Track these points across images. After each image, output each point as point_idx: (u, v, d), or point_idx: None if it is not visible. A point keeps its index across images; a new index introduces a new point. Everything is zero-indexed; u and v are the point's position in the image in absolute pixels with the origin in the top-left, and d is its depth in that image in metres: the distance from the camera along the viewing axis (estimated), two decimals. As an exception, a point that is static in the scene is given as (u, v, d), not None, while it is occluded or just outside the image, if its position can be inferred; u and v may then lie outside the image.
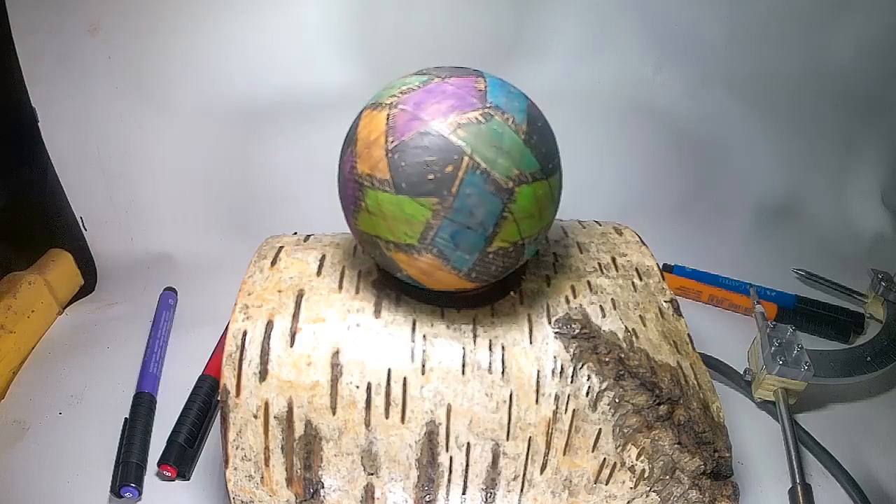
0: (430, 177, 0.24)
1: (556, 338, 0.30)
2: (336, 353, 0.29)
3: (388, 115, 0.25)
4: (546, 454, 0.30)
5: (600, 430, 0.29)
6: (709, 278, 0.54)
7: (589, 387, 0.29)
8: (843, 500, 0.37)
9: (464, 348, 0.29)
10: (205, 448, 0.38)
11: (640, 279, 0.34)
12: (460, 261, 0.26)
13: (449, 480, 0.30)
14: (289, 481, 0.29)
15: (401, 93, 0.26)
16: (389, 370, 0.29)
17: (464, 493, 0.30)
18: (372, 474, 0.29)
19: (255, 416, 0.28)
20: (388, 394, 0.28)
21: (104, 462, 0.36)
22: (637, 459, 0.30)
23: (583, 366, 0.29)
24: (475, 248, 0.25)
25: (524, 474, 0.30)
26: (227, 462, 0.29)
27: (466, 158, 0.24)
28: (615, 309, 0.31)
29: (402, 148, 0.24)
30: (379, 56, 0.56)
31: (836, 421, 0.42)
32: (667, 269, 0.55)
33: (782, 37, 0.60)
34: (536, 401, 0.29)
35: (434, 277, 0.27)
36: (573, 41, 0.59)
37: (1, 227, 0.48)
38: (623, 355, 0.29)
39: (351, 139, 0.27)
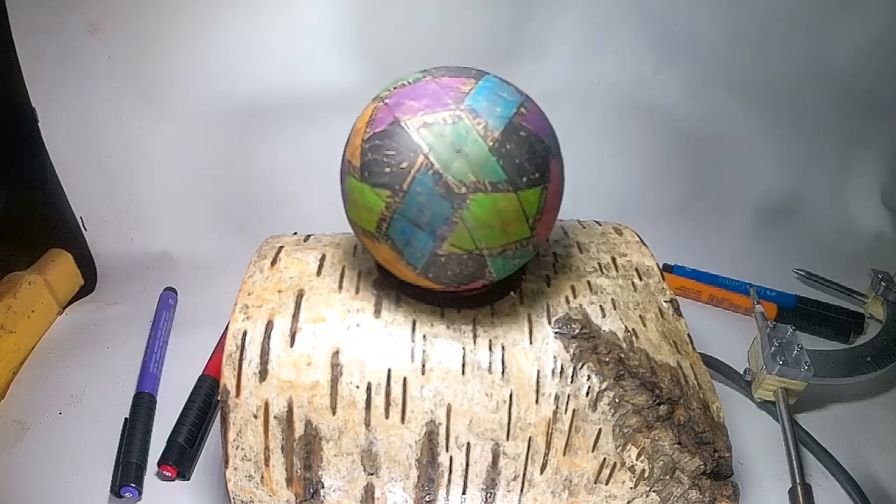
0: (387, 170, 0.25)
1: (556, 338, 0.30)
2: (336, 353, 0.29)
3: (375, 107, 0.27)
4: (546, 454, 0.30)
5: (600, 430, 0.29)
6: (709, 278, 0.54)
7: (589, 387, 0.29)
8: (843, 500, 0.37)
9: (464, 348, 0.29)
10: (205, 448, 0.38)
11: (640, 279, 0.34)
12: (413, 257, 0.26)
13: (449, 480, 0.30)
14: (289, 481, 0.29)
15: (394, 88, 0.27)
16: (389, 370, 0.29)
17: (464, 493, 0.30)
18: (372, 474, 0.29)
19: (255, 416, 0.28)
20: (388, 394, 0.28)
21: (104, 462, 0.36)
22: (637, 459, 0.30)
23: (583, 366, 0.29)
24: (424, 248, 0.26)
25: (524, 474, 0.30)
26: (227, 462, 0.29)
27: (422, 157, 0.24)
28: (615, 309, 0.31)
29: (373, 139, 0.25)
30: (380, 56, 0.56)
31: (836, 421, 0.42)
32: (667, 269, 0.55)
33: (782, 37, 0.60)
34: (536, 401, 0.29)
35: (395, 268, 0.27)
36: (573, 41, 0.59)
37: (1, 227, 0.48)
38: (623, 355, 0.29)
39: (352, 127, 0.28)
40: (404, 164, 0.24)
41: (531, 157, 0.25)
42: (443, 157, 0.24)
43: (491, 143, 0.25)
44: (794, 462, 0.37)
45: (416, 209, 0.25)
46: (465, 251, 0.26)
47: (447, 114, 0.25)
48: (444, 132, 0.24)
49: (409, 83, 0.27)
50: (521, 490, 0.30)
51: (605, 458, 0.30)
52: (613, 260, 0.34)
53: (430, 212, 0.25)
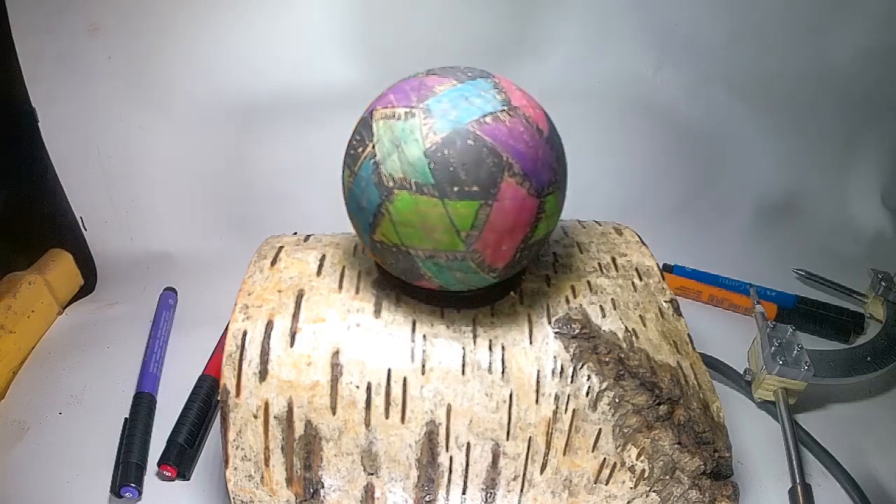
0: (352, 152, 0.27)
1: (556, 338, 0.30)
2: (336, 353, 0.29)
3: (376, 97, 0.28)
4: (546, 454, 0.30)
5: (600, 430, 0.29)
6: (709, 278, 0.54)
7: (589, 387, 0.29)
8: (843, 500, 0.37)
9: (464, 348, 0.29)
10: (205, 448, 0.38)
11: (640, 279, 0.34)
12: (363, 237, 0.28)
13: (449, 480, 0.30)
14: (289, 481, 0.29)
15: (398, 82, 0.28)
16: (389, 370, 0.29)
17: (464, 493, 0.30)
18: (372, 474, 0.29)
19: (255, 416, 0.28)
20: (388, 394, 0.28)
21: (104, 462, 0.36)
22: (637, 459, 0.30)
23: (583, 366, 0.29)
24: (365, 231, 0.27)
25: (524, 474, 0.30)
26: (227, 462, 0.29)
27: (370, 146, 0.26)
28: (615, 309, 0.31)
29: (357, 125, 0.28)
30: (380, 56, 0.56)
31: (836, 421, 0.42)
32: (667, 269, 0.55)
33: (782, 37, 0.60)
34: (536, 401, 0.29)
35: (363, 241, 0.29)
36: (574, 41, 0.59)
37: (1, 227, 0.48)
38: (623, 355, 0.29)
39: None
40: (360, 150, 0.26)
41: (472, 168, 0.24)
42: (384, 149, 0.25)
43: (428, 145, 0.24)
44: (794, 462, 0.37)
45: (359, 192, 0.26)
46: (391, 244, 0.26)
47: (404, 110, 0.25)
48: (394, 126, 0.25)
49: (407, 78, 0.27)
50: (521, 490, 0.30)
51: (605, 458, 0.30)
52: (613, 260, 0.34)
53: (366, 198, 0.26)
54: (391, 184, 0.25)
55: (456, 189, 0.24)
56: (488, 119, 0.25)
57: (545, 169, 0.26)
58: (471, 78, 0.26)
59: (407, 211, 0.25)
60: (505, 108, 0.25)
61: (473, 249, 0.26)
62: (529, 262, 0.29)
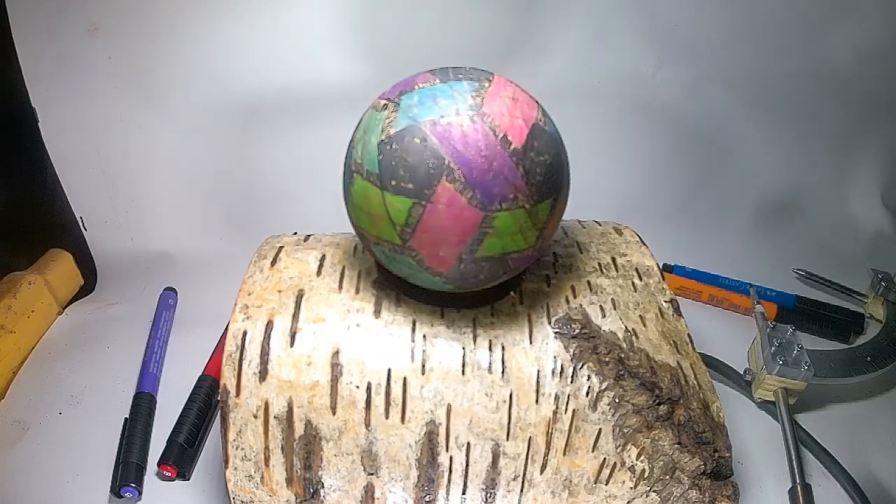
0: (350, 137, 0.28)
1: (556, 338, 0.30)
2: (336, 353, 0.29)
3: None
4: (546, 454, 0.30)
5: (600, 430, 0.29)
6: (709, 278, 0.54)
7: (589, 387, 0.29)
8: (843, 500, 0.37)
9: (464, 348, 0.29)
10: (205, 448, 0.38)
11: (640, 279, 0.34)
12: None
13: (449, 480, 0.30)
14: (289, 481, 0.29)
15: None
16: (389, 370, 0.29)
17: (464, 493, 0.30)
18: (372, 474, 0.29)
19: (255, 416, 0.28)
20: (388, 394, 0.28)
21: (104, 462, 0.36)
22: (637, 459, 0.30)
23: (583, 366, 0.29)
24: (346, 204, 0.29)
25: (524, 474, 0.30)
26: (227, 462, 0.29)
27: (355, 131, 0.28)
28: (615, 309, 0.31)
29: None
30: (381, 55, 0.56)
31: (836, 421, 0.42)
32: (667, 269, 0.55)
33: (782, 37, 0.60)
34: (536, 401, 0.29)
35: None
36: (574, 41, 0.59)
37: (1, 227, 0.48)
38: (623, 355, 0.29)
39: None
40: (353, 132, 0.28)
41: (411, 165, 0.24)
42: (357, 136, 0.27)
43: (383, 137, 0.25)
44: (794, 462, 0.37)
45: (343, 168, 0.28)
46: (353, 223, 0.28)
47: (384, 101, 0.26)
48: (371, 116, 0.27)
49: (416, 74, 0.28)
50: (521, 490, 0.30)
51: (605, 458, 0.30)
52: (613, 260, 0.34)
53: (344, 176, 0.28)
54: (353, 167, 0.27)
55: (393, 183, 0.25)
56: (443, 121, 0.24)
57: (499, 183, 0.24)
58: (457, 79, 0.26)
59: (359, 196, 0.26)
60: (470, 113, 0.25)
61: (409, 246, 0.26)
62: (491, 279, 0.27)
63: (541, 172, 0.25)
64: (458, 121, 0.24)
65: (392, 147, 0.25)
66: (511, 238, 0.26)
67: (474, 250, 0.25)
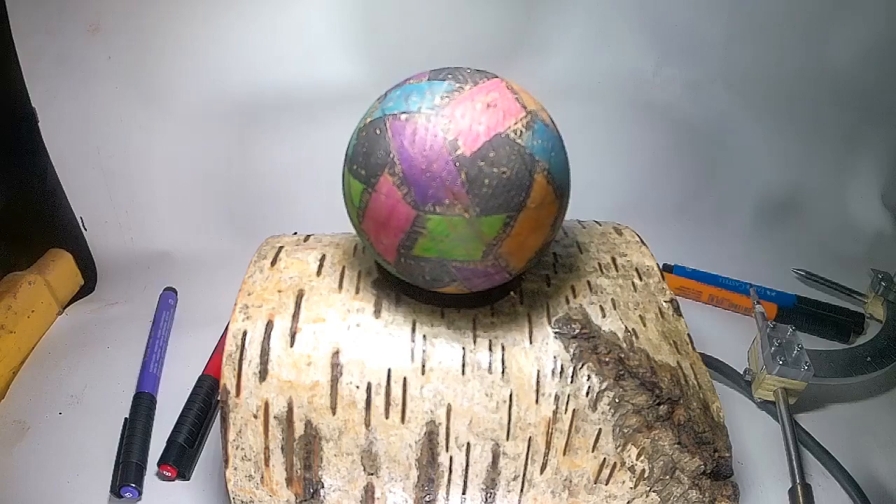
0: None
1: (556, 338, 0.30)
2: (336, 353, 0.29)
3: None
4: (546, 454, 0.30)
5: (600, 430, 0.29)
6: (709, 278, 0.54)
7: (589, 387, 0.29)
8: (843, 500, 0.37)
9: (464, 348, 0.29)
10: (205, 448, 0.38)
11: (640, 279, 0.34)
12: None
13: (449, 480, 0.30)
14: (289, 481, 0.29)
15: None
16: (389, 370, 0.29)
17: (464, 493, 0.30)
18: (372, 474, 0.29)
19: (255, 416, 0.28)
20: (388, 394, 0.28)
21: (104, 462, 0.36)
22: (637, 459, 0.30)
23: (583, 366, 0.29)
24: None
25: (524, 474, 0.30)
26: (227, 462, 0.29)
27: None
28: (615, 309, 0.31)
29: None
30: (381, 55, 0.56)
31: (836, 421, 0.42)
32: (667, 269, 0.55)
33: (782, 37, 0.60)
34: (536, 401, 0.29)
35: None
36: (574, 40, 0.59)
37: (1, 227, 0.48)
38: (623, 355, 0.29)
39: None
40: None
41: (366, 153, 0.26)
42: (356, 126, 0.28)
43: (361, 125, 0.27)
44: (794, 462, 0.37)
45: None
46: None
47: (382, 94, 0.28)
48: (368, 109, 0.28)
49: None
50: (521, 490, 0.30)
51: (605, 458, 0.30)
52: (613, 260, 0.34)
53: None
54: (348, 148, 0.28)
55: (354, 167, 0.26)
56: (403, 117, 0.25)
57: (435, 186, 0.24)
58: (442, 79, 0.26)
59: (342, 176, 0.28)
60: (429, 112, 0.25)
61: (362, 228, 0.27)
62: (439, 282, 0.27)
63: (490, 185, 0.24)
64: (415, 118, 0.25)
65: (362, 135, 0.26)
66: (449, 245, 0.25)
67: (409, 247, 0.26)
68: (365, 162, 0.26)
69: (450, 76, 0.26)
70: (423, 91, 0.26)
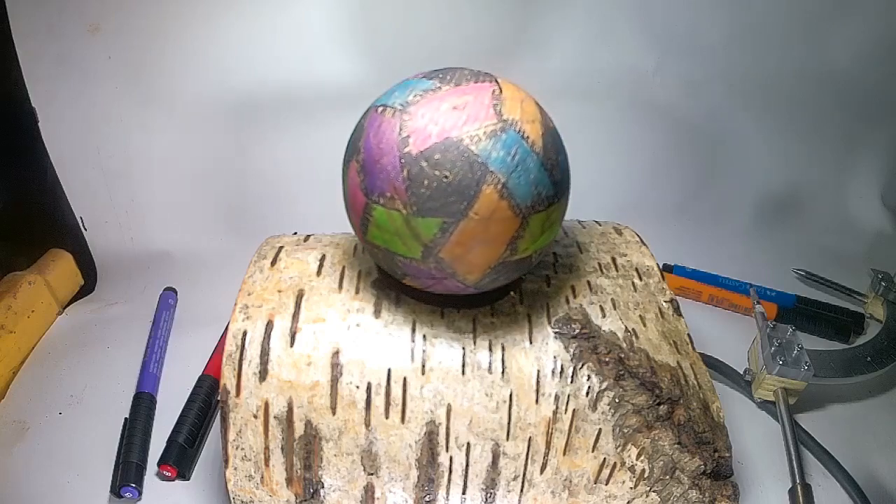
0: None
1: (556, 338, 0.30)
2: (336, 353, 0.29)
3: None
4: (546, 454, 0.30)
5: (600, 430, 0.29)
6: (709, 278, 0.54)
7: (589, 387, 0.29)
8: (843, 500, 0.37)
9: (464, 348, 0.29)
10: (205, 448, 0.38)
11: (640, 279, 0.34)
12: None
13: (449, 480, 0.30)
14: (289, 481, 0.29)
15: None
16: (389, 370, 0.29)
17: (464, 493, 0.30)
18: (372, 474, 0.29)
19: (255, 416, 0.28)
20: (388, 394, 0.28)
21: (104, 462, 0.36)
22: (637, 459, 0.30)
23: (583, 366, 0.29)
24: None
25: (524, 474, 0.30)
26: (227, 462, 0.29)
27: None
28: (615, 309, 0.31)
29: None
30: (381, 54, 0.56)
31: (836, 421, 0.42)
32: (667, 269, 0.55)
33: (782, 37, 0.60)
34: (536, 401, 0.29)
35: None
36: (574, 40, 0.59)
37: (1, 227, 0.48)
38: (623, 355, 0.29)
39: None
40: None
41: (351, 139, 0.28)
42: None
43: (361, 116, 0.28)
44: (794, 462, 0.37)
45: None
46: None
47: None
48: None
49: None
50: (521, 490, 0.30)
51: (605, 458, 0.30)
52: (613, 260, 0.34)
53: None
54: None
55: (346, 151, 0.28)
56: (379, 109, 0.26)
57: (381, 178, 0.25)
58: (429, 77, 0.27)
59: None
60: (397, 108, 0.26)
61: (346, 206, 0.29)
62: (387, 271, 0.29)
63: (429, 186, 0.24)
64: (386, 112, 0.26)
65: (359, 121, 0.28)
66: (390, 237, 0.26)
67: (364, 232, 0.27)
68: (348, 146, 0.28)
69: (439, 76, 0.26)
70: (407, 88, 0.26)
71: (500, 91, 0.26)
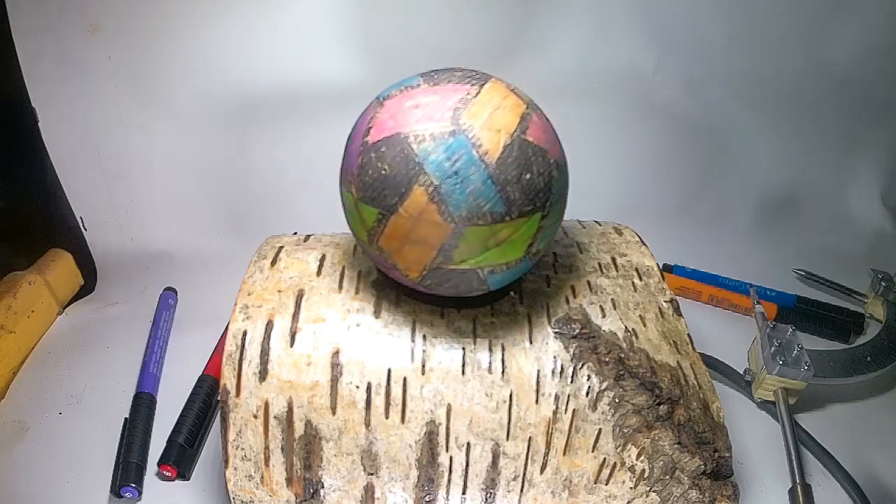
0: None
1: (556, 338, 0.30)
2: (336, 353, 0.29)
3: None
4: (546, 454, 0.30)
5: (600, 430, 0.29)
6: (709, 278, 0.54)
7: (589, 387, 0.29)
8: (843, 500, 0.37)
9: (464, 348, 0.29)
10: (205, 448, 0.38)
11: (640, 279, 0.34)
12: None
13: (449, 480, 0.30)
14: (289, 481, 0.29)
15: None
16: (389, 370, 0.29)
17: (464, 493, 0.30)
18: (372, 474, 0.29)
19: (255, 416, 0.28)
20: (388, 394, 0.28)
21: (104, 462, 0.36)
22: (637, 459, 0.30)
23: (583, 366, 0.29)
24: None
25: (524, 474, 0.30)
26: (227, 462, 0.29)
27: None
28: (615, 309, 0.31)
29: None
30: (381, 54, 0.56)
31: (836, 421, 0.42)
32: (667, 269, 0.55)
33: (782, 37, 0.60)
34: (536, 401, 0.29)
35: None
36: (574, 40, 0.59)
37: (1, 227, 0.48)
38: (623, 355, 0.29)
39: None
40: None
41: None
42: None
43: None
44: (794, 462, 0.37)
45: None
46: None
47: None
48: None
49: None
50: (521, 490, 0.30)
51: (605, 458, 0.30)
52: (613, 260, 0.34)
53: None
54: None
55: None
56: (372, 101, 0.28)
57: (348, 164, 0.27)
58: (421, 75, 0.27)
59: None
60: (381, 101, 0.27)
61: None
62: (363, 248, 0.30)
63: (371, 176, 0.25)
64: (373, 105, 0.27)
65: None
66: (351, 219, 0.28)
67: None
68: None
69: (429, 75, 0.27)
70: (397, 84, 0.27)
71: (477, 95, 0.25)
